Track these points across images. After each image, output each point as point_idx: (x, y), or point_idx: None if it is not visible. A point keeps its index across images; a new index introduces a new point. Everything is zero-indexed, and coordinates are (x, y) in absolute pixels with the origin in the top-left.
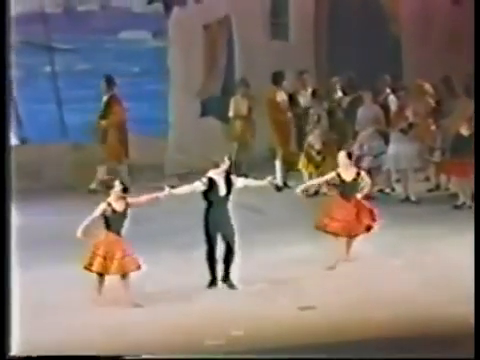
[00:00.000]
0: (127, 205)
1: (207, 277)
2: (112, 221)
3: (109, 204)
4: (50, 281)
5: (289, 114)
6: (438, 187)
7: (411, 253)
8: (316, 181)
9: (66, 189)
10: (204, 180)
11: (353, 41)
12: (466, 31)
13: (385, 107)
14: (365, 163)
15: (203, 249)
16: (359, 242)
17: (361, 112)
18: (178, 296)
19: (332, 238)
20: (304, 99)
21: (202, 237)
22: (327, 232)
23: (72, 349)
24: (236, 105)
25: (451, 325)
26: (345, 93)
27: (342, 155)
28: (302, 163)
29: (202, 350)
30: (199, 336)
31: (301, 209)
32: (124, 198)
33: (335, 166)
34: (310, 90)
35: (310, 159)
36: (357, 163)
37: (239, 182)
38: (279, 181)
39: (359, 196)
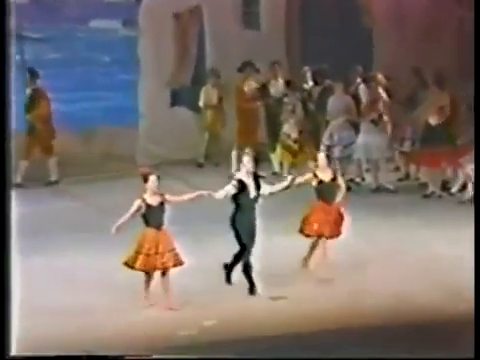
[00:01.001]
0: (163, 199)
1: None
2: (149, 217)
3: (143, 200)
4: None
5: (258, 104)
6: (408, 177)
7: (385, 242)
8: (286, 184)
9: None
10: (235, 183)
11: (325, 31)
12: (438, 23)
13: (356, 97)
14: (335, 153)
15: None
16: None
17: (332, 102)
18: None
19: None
20: (275, 89)
21: (176, 228)
22: (309, 236)
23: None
24: (207, 95)
25: (428, 313)
26: (316, 83)
27: (321, 156)
28: (277, 153)
29: (175, 340)
30: (172, 327)
31: (279, 199)
32: (161, 194)
33: (312, 155)
34: (281, 80)
35: (286, 148)
36: (328, 153)
37: (265, 189)
38: (233, 170)
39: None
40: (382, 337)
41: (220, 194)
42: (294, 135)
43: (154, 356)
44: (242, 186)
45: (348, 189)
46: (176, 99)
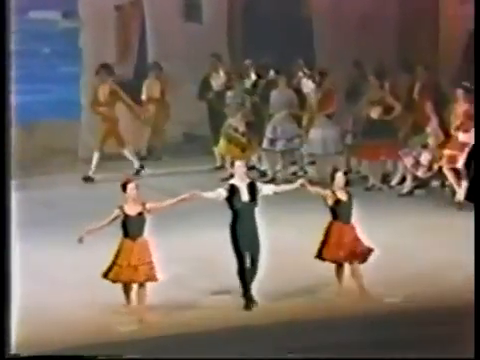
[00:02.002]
0: (144, 208)
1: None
2: (128, 226)
3: (121, 209)
4: None
5: (113, 108)
6: (350, 170)
7: None
8: (313, 190)
9: None
10: (226, 187)
11: (267, 24)
12: (376, 14)
13: (298, 91)
14: (278, 146)
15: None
16: (280, 228)
17: (275, 95)
18: (95, 283)
19: None
20: (216, 82)
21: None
22: (326, 260)
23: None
24: (149, 88)
25: (382, 308)
26: (259, 76)
27: (339, 175)
28: (221, 146)
29: (115, 336)
30: (112, 322)
31: None
32: (142, 203)
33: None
34: (222, 73)
35: (234, 142)
36: (271, 146)
37: (266, 189)
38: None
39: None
40: (315, 332)
41: (208, 194)
42: (242, 128)
43: (152, 356)
44: (233, 190)
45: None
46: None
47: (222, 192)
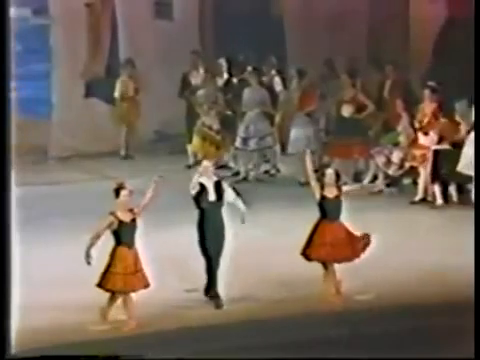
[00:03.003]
0: (134, 213)
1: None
2: (121, 234)
3: (115, 215)
4: None
5: None
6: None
7: (299, 233)
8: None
9: None
10: (194, 185)
11: (239, 22)
12: (347, 13)
13: (270, 89)
14: (251, 145)
15: (87, 234)
16: (249, 225)
17: (247, 94)
18: (66, 282)
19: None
20: (196, 80)
21: (85, 222)
22: (312, 259)
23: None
24: (122, 86)
25: (354, 305)
26: (231, 74)
27: (330, 172)
28: (195, 144)
29: (86, 336)
30: (83, 321)
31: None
32: (131, 209)
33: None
34: (202, 70)
35: (207, 139)
36: (244, 145)
37: (229, 194)
38: None
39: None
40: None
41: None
42: (216, 126)
43: (152, 356)
44: (202, 190)
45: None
46: (90, 90)
47: (195, 186)
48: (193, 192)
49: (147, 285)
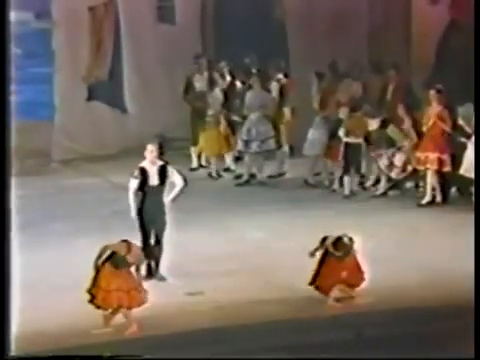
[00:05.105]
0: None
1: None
2: (117, 262)
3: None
4: None
5: None
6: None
7: (301, 236)
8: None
9: None
10: (135, 173)
11: (240, 25)
12: (348, 16)
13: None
14: (253, 148)
15: (87, 238)
16: (253, 227)
17: (249, 97)
18: (63, 285)
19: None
20: (200, 83)
21: (86, 225)
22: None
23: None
24: None
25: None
26: (234, 77)
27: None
28: (202, 145)
29: (89, 339)
30: (85, 325)
31: (200, 195)
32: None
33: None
34: (206, 74)
35: (214, 135)
36: (246, 147)
37: (176, 179)
38: None
39: None
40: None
41: (130, 194)
42: (223, 125)
43: (152, 356)
44: (144, 174)
45: None
46: (92, 93)
47: (133, 181)
48: (136, 181)
49: (143, 302)
